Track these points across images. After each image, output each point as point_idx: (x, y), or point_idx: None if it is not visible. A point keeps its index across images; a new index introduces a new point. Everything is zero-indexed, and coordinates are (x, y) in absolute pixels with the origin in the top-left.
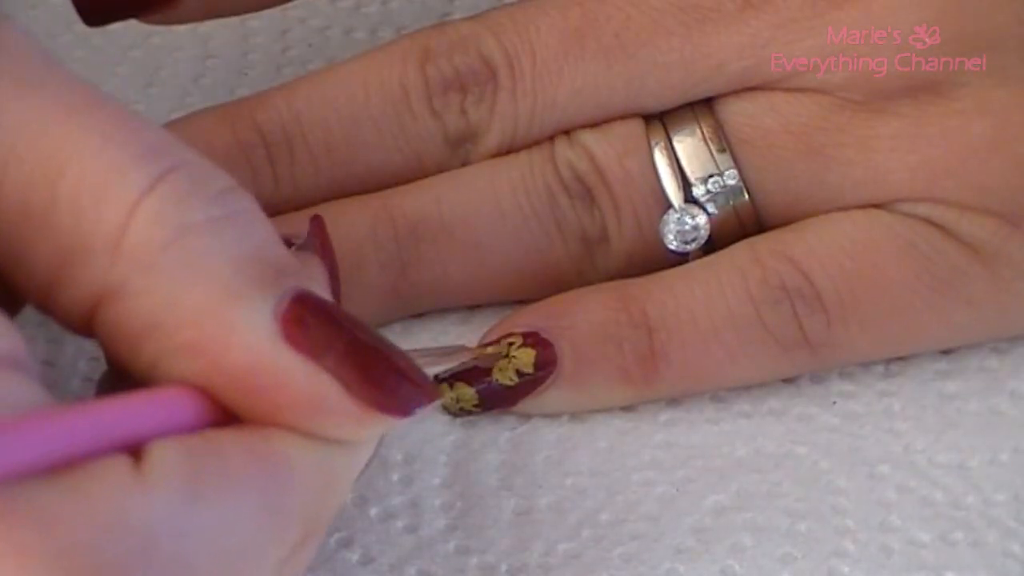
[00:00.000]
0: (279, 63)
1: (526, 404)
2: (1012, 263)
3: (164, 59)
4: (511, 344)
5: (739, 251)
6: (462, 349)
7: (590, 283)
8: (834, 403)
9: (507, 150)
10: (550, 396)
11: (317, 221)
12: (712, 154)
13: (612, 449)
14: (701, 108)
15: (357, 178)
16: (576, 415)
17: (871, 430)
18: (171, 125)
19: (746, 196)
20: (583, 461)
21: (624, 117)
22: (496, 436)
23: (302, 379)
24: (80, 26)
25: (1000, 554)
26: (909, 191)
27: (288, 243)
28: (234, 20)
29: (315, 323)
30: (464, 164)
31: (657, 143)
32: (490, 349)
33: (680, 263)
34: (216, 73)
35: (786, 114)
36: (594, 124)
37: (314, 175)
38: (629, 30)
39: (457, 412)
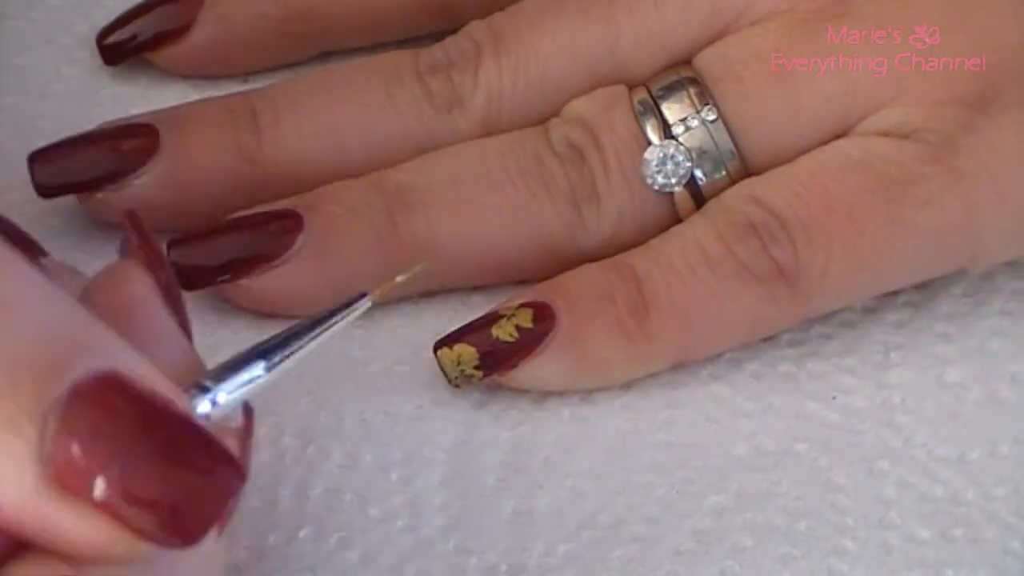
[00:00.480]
0: (281, 73)
1: (527, 372)
2: (974, 154)
3: None
4: (510, 307)
5: (709, 205)
6: (361, 296)
7: (583, 248)
8: (834, 398)
9: (495, 116)
10: (551, 361)
11: (130, 216)
12: (691, 97)
13: (612, 450)
14: (681, 65)
15: (342, 140)
16: (576, 413)
17: (871, 425)
18: (171, 110)
19: (725, 131)
20: (583, 462)
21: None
22: (496, 436)
23: (73, 526)
24: (81, 28)
25: (1000, 551)
26: (879, 95)
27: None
28: None
29: (90, 442)
30: (454, 137)
31: (638, 95)
32: (400, 277)
33: (669, 221)
34: (216, 77)
35: (755, 44)
36: (579, 91)
37: (297, 136)
38: None
39: (458, 378)
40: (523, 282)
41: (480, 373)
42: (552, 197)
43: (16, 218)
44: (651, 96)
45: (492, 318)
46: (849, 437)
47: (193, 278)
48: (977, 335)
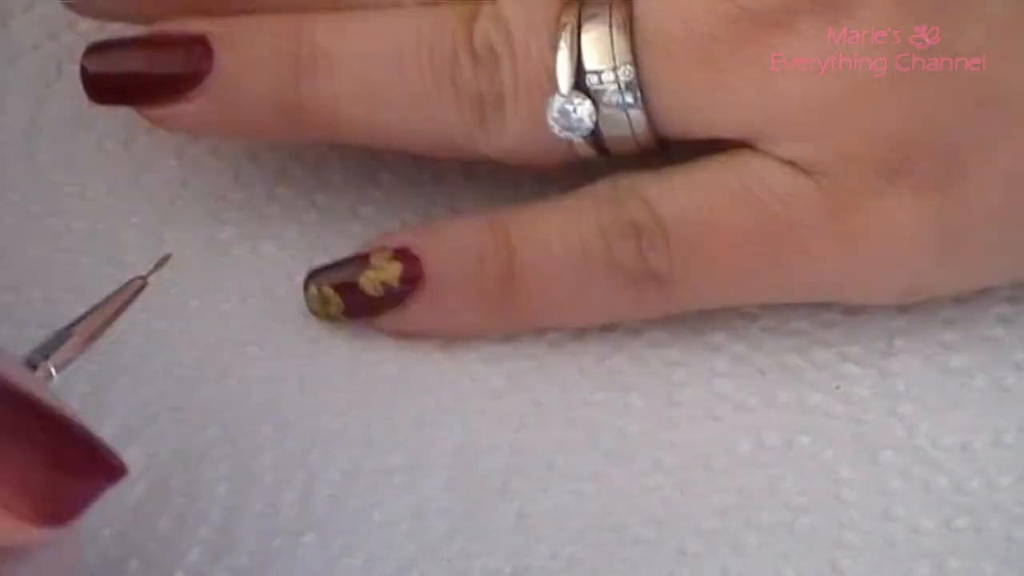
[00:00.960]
0: None
1: (389, 320)
2: (867, 221)
3: None
4: (382, 256)
5: (602, 186)
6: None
7: (480, 152)
8: (837, 388)
9: None
10: (413, 316)
11: None
12: (613, 48)
13: (615, 452)
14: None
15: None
16: (579, 416)
17: (875, 415)
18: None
19: (638, 94)
20: (586, 465)
21: None
22: (498, 440)
23: None
24: (83, 24)
25: (1004, 540)
26: (794, 122)
27: None
28: None
29: None
30: None
31: (567, 25)
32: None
33: (568, 156)
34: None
35: (691, 21)
36: None
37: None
38: None
39: (319, 311)
40: None
41: (344, 317)
42: (457, 98)
43: (18, 219)
44: (578, 25)
45: (362, 264)
46: (853, 428)
47: (100, 88)
48: (982, 322)
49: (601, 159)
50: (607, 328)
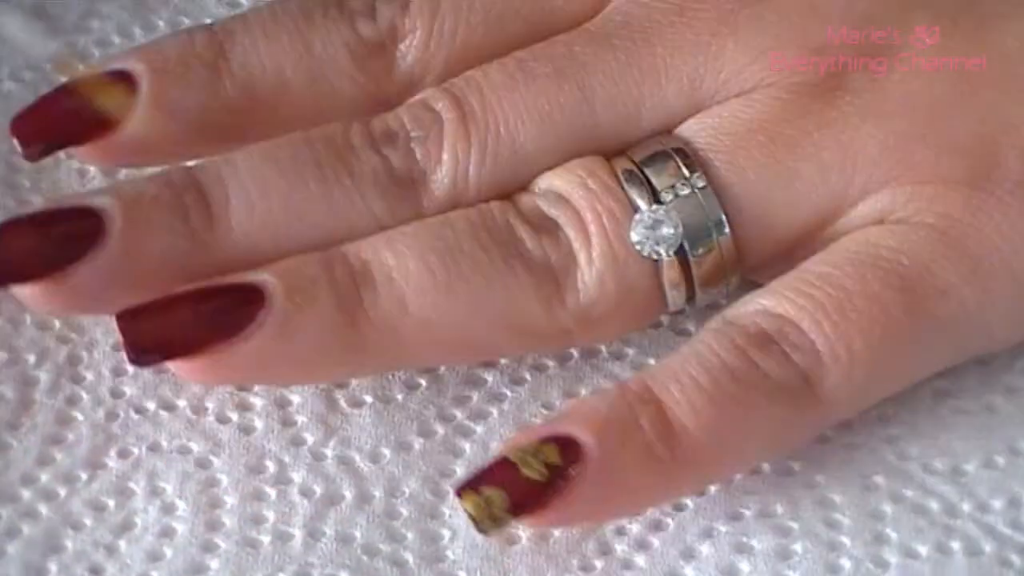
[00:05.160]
0: None
1: (560, 511)
2: (983, 236)
3: None
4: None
5: (713, 322)
6: None
7: (563, 326)
8: None
9: (461, 194)
10: (584, 497)
11: None
12: (678, 163)
13: None
14: (663, 134)
15: (298, 220)
16: None
17: (865, 438)
18: (118, 184)
19: (715, 199)
20: None
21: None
22: None
23: None
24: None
25: (997, 563)
26: (882, 167)
27: None
28: None
29: None
30: (416, 216)
31: (621, 164)
32: None
33: (655, 287)
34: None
35: (746, 117)
36: (551, 163)
37: (249, 215)
38: (574, 52)
39: (487, 523)
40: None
41: (510, 516)
42: (529, 269)
43: None
44: (635, 165)
45: (516, 456)
46: (843, 453)
47: (143, 356)
48: None
49: (688, 302)
50: None
